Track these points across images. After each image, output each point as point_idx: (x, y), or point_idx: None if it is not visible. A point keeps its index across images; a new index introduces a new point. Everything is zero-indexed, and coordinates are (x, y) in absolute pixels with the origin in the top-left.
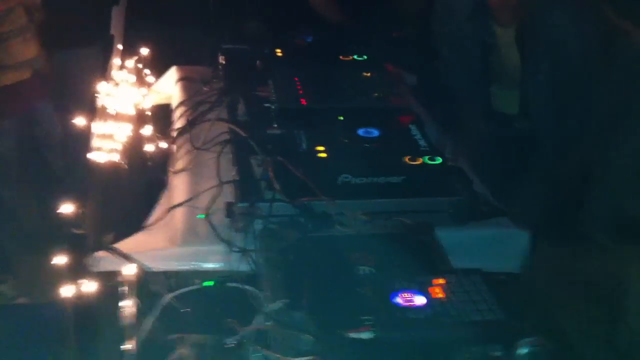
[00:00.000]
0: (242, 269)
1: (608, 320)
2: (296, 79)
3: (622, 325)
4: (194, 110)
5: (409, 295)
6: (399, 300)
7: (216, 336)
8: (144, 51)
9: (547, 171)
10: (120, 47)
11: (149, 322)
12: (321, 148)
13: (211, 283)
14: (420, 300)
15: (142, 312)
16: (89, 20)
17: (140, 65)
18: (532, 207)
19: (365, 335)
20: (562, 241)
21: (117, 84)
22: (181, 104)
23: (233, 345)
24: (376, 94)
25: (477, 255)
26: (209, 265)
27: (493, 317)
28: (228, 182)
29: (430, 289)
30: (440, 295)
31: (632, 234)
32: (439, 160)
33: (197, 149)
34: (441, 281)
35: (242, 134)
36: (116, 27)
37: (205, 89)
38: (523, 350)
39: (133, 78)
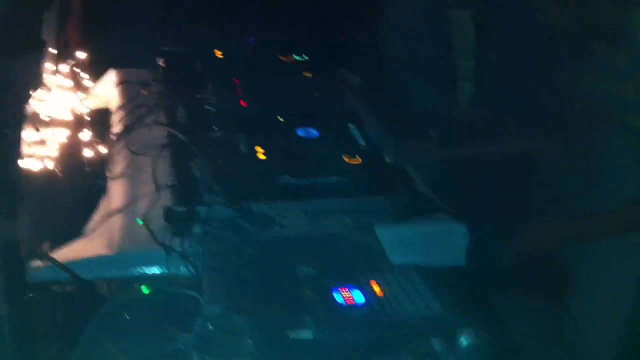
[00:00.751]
0: (182, 274)
1: (554, 313)
2: (236, 80)
3: (567, 318)
4: (133, 114)
5: (348, 294)
6: (338, 299)
7: (156, 342)
8: (81, 55)
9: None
10: (53, 51)
11: (88, 331)
12: (261, 150)
13: (150, 289)
14: (359, 298)
15: (80, 321)
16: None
17: (77, 70)
18: (475, 202)
19: (304, 335)
20: (505, 233)
21: (50, 90)
22: (120, 108)
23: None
24: (317, 95)
25: (417, 250)
26: (149, 271)
27: (431, 313)
28: (165, 186)
29: (368, 288)
30: (379, 294)
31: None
32: (378, 158)
33: (135, 153)
34: (379, 279)
35: (181, 137)
36: (48, 32)
37: (144, 92)
38: (463, 343)
39: (69, 82)
